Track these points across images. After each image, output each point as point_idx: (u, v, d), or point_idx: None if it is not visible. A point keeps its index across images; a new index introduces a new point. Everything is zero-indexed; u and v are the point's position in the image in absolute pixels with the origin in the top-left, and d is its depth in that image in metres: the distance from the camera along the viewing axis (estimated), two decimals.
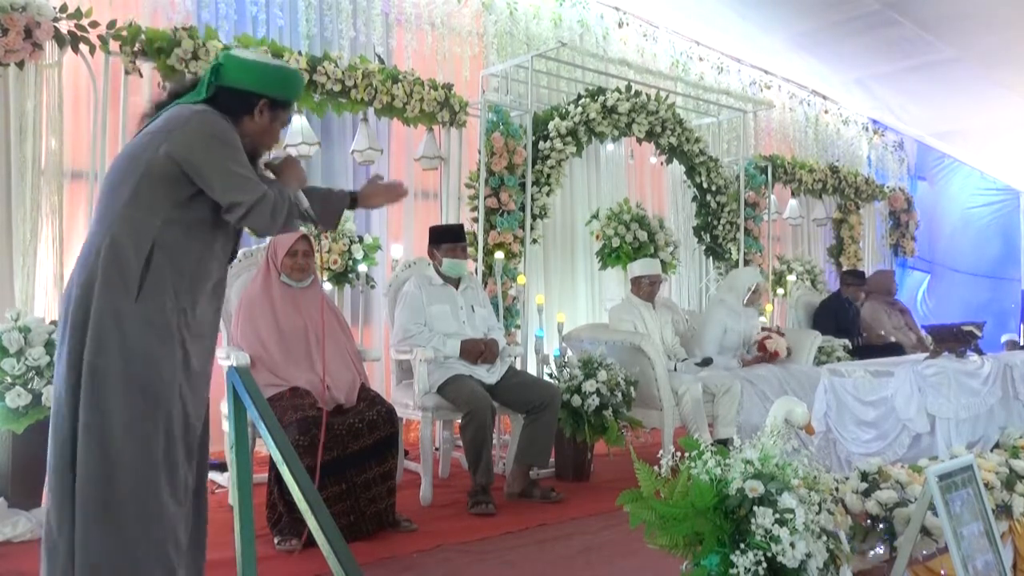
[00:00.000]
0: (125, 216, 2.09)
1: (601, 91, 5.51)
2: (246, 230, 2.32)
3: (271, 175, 2.36)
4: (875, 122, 9.39)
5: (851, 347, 6.35)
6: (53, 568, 2.07)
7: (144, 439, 2.06)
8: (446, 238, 4.20)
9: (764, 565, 1.81)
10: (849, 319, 6.62)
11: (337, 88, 4.62)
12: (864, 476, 2.61)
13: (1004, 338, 8.44)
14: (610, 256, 5.81)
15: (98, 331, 2.04)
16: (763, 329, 5.45)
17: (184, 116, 2.13)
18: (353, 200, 2.48)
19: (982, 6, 6.06)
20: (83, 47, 3.96)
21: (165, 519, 2.08)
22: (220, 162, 2.12)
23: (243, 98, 2.22)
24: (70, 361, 2.07)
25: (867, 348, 6.30)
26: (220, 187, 2.12)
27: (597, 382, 4.21)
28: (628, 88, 5.60)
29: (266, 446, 2.04)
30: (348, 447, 3.20)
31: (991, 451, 3.33)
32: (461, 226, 4.38)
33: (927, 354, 4.15)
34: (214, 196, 2.14)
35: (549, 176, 5.24)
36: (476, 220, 5.06)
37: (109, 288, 2.06)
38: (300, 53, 4.57)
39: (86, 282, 2.07)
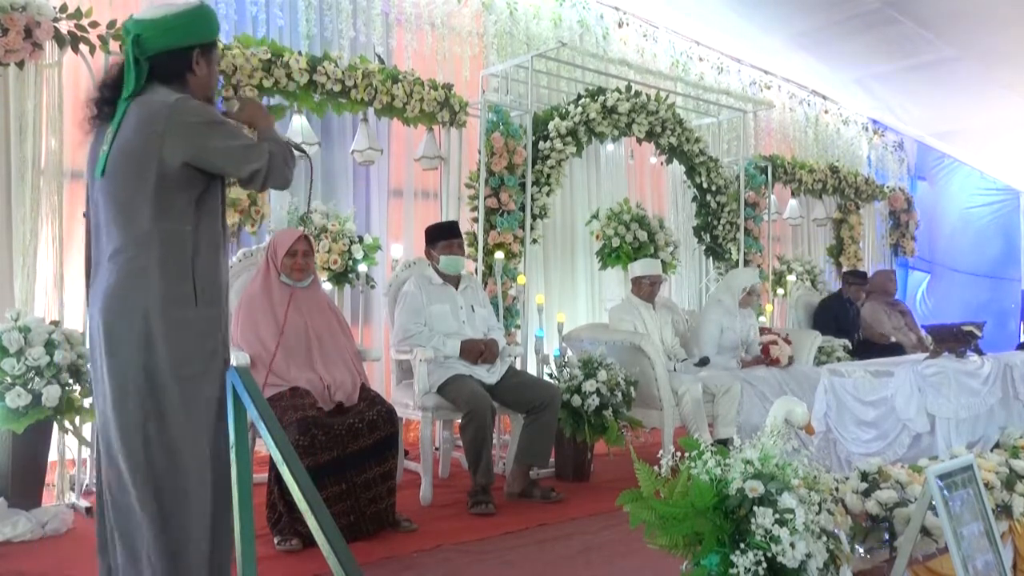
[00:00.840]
0: (162, 231, 2.10)
1: (601, 91, 5.51)
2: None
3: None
4: (875, 122, 9.39)
5: (851, 347, 6.36)
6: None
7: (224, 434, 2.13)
8: (441, 235, 4.20)
9: (764, 565, 1.82)
10: (849, 319, 6.63)
11: (337, 88, 4.62)
12: (864, 476, 2.62)
13: None
14: (610, 256, 5.81)
15: (176, 343, 2.10)
16: (770, 332, 5.44)
17: (163, 113, 2.08)
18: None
19: (982, 5, 6.05)
20: (83, 47, 3.95)
21: None
22: (221, 142, 2.13)
23: (178, 57, 2.18)
24: (140, 376, 2.09)
25: (867, 348, 6.30)
26: (234, 165, 2.15)
27: (597, 382, 4.21)
28: (628, 88, 5.60)
29: (266, 446, 2.04)
30: (348, 447, 3.19)
31: (991, 451, 3.34)
32: (455, 222, 4.37)
33: (927, 354, 4.15)
34: (231, 175, 2.18)
35: (549, 176, 5.24)
36: (476, 220, 5.06)
37: (174, 302, 2.11)
38: (300, 53, 4.56)
39: (141, 300, 2.09)
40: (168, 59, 2.17)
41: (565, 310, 5.99)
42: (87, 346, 2.51)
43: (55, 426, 3.48)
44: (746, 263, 6.54)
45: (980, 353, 4.08)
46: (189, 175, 2.12)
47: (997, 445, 3.62)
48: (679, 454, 2.02)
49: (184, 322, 2.11)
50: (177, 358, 2.10)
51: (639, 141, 5.93)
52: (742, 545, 1.84)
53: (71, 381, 3.45)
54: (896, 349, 6.38)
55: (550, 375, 4.51)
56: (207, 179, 2.16)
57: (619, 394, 4.27)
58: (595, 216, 6.01)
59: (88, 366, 2.77)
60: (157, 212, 2.09)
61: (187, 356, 2.11)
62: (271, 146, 2.20)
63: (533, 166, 5.17)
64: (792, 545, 1.82)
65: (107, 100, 2.20)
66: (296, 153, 2.34)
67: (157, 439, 2.09)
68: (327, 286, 4.67)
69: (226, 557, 2.16)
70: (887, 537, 2.47)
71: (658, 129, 5.82)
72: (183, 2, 2.24)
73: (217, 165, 2.14)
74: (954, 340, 4.06)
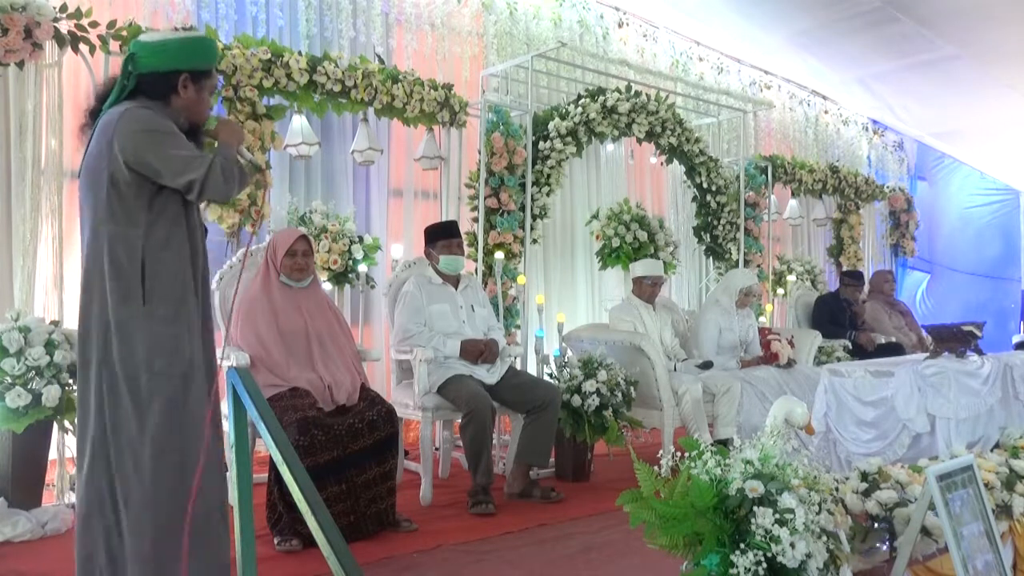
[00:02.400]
0: (114, 234, 2.22)
1: (601, 91, 5.51)
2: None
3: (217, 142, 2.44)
4: (875, 122, 9.40)
5: (850, 347, 6.36)
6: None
7: (175, 444, 2.22)
8: (441, 235, 4.20)
9: (764, 565, 1.82)
10: (846, 317, 6.64)
11: (337, 88, 4.62)
12: (864, 476, 2.62)
13: (1016, 339, 8.41)
14: (610, 256, 5.81)
15: (122, 339, 2.21)
16: (772, 332, 5.44)
17: (113, 121, 2.23)
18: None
19: (982, 3, 6.05)
20: (83, 47, 3.95)
21: None
22: (159, 150, 2.22)
23: (164, 79, 2.31)
24: (100, 372, 2.23)
25: (859, 352, 6.30)
26: (169, 173, 2.22)
27: (597, 382, 4.21)
28: (628, 88, 5.60)
29: (266, 446, 2.05)
30: (348, 447, 3.19)
31: (991, 451, 3.34)
32: (454, 222, 4.37)
33: (927, 354, 4.15)
34: (168, 183, 2.24)
35: (549, 176, 5.24)
36: (476, 220, 5.06)
37: (119, 303, 2.22)
38: (300, 53, 4.56)
39: (97, 299, 2.24)
40: (154, 79, 2.31)
41: (565, 310, 5.99)
42: None
43: (55, 426, 3.48)
44: (746, 263, 6.54)
45: (980, 353, 4.08)
46: (139, 180, 2.22)
47: (997, 445, 3.61)
48: (679, 454, 2.02)
49: (130, 321, 2.21)
50: (123, 355, 2.21)
51: (639, 141, 5.93)
52: (742, 545, 1.84)
53: (71, 381, 3.45)
54: (896, 349, 6.38)
55: (550, 375, 4.51)
56: (154, 184, 2.24)
57: (619, 394, 4.27)
58: (595, 216, 6.01)
59: None
60: (108, 215, 2.23)
61: (130, 353, 2.21)
62: (220, 161, 2.26)
63: (533, 166, 5.17)
64: (792, 545, 1.82)
65: (97, 112, 2.37)
66: (249, 166, 2.42)
67: (111, 433, 2.21)
68: (327, 286, 4.67)
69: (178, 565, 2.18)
70: (887, 537, 2.47)
71: (658, 129, 5.82)
72: (189, 32, 2.49)
73: (156, 171, 2.22)
74: (954, 340, 4.06)
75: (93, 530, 2.23)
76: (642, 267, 5.10)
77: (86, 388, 2.26)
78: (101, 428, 2.22)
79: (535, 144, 5.21)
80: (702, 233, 6.54)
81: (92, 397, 2.24)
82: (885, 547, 2.47)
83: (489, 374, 4.03)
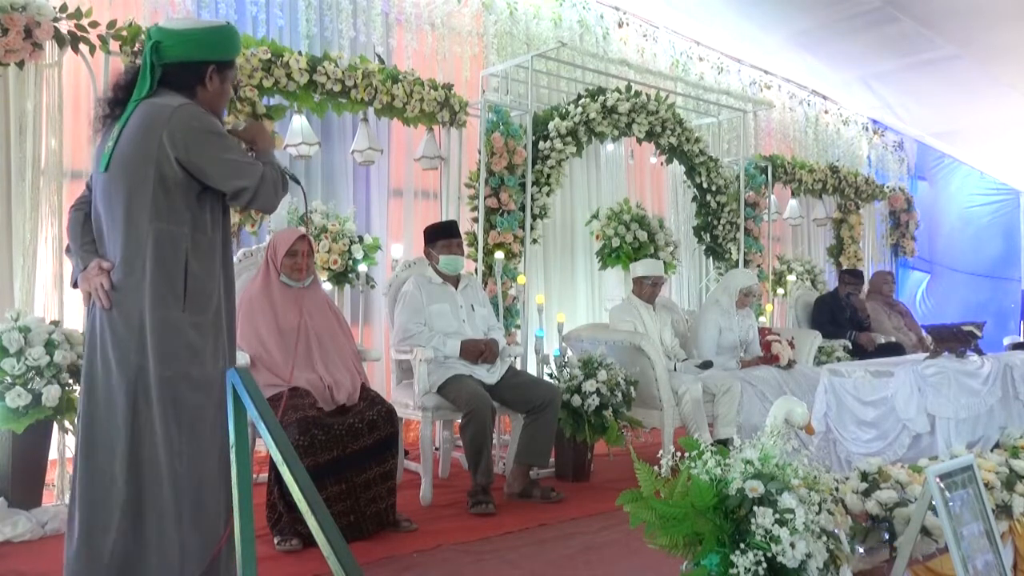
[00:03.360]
0: (161, 232, 2.15)
1: (601, 91, 5.51)
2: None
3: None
4: (875, 122, 9.40)
5: (850, 347, 6.36)
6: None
7: (221, 442, 2.17)
8: (441, 235, 4.19)
9: (764, 565, 1.82)
10: (846, 316, 6.64)
11: (337, 88, 4.62)
12: (864, 476, 2.62)
13: (1006, 341, 8.41)
14: (610, 256, 5.81)
15: (160, 343, 2.14)
16: (772, 333, 5.44)
17: (164, 116, 2.14)
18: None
19: (982, 2, 6.05)
20: (83, 47, 3.95)
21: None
22: (216, 153, 2.16)
23: (192, 70, 2.24)
24: (127, 375, 2.15)
25: (859, 352, 6.30)
26: (222, 177, 2.17)
27: (597, 382, 4.21)
28: (628, 88, 5.60)
29: (266, 446, 2.05)
30: (348, 447, 3.19)
31: (991, 451, 3.34)
32: (454, 222, 4.37)
33: (927, 354, 4.15)
34: (218, 187, 2.19)
35: (549, 176, 5.24)
36: (476, 220, 5.06)
37: (158, 303, 2.15)
38: (300, 53, 4.56)
39: (137, 298, 2.15)
40: (181, 69, 2.23)
41: (565, 310, 5.99)
42: None
43: (55, 426, 3.48)
44: (746, 263, 6.54)
45: (980, 353, 4.08)
46: (187, 178, 2.16)
47: (997, 445, 3.62)
48: (679, 454, 2.02)
49: (168, 323, 2.15)
50: (159, 358, 2.14)
51: (639, 141, 5.93)
52: (742, 545, 1.84)
53: (71, 381, 3.45)
54: (896, 349, 6.38)
55: (550, 375, 4.51)
56: (200, 185, 2.19)
57: (619, 394, 4.27)
58: (595, 216, 6.01)
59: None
60: (154, 212, 2.14)
61: (167, 357, 2.15)
62: (266, 169, 2.21)
63: (533, 166, 5.17)
64: (792, 545, 1.82)
65: (119, 101, 2.27)
66: (291, 182, 2.37)
67: (144, 436, 2.15)
68: (327, 286, 4.67)
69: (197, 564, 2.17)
70: (887, 537, 2.47)
71: (658, 129, 5.81)
72: (210, 20, 2.34)
73: (207, 173, 2.17)
74: (954, 340, 4.07)
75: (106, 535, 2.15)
76: (642, 267, 5.10)
77: (108, 387, 2.17)
78: (130, 431, 2.14)
79: (535, 144, 5.21)
80: (702, 233, 6.54)
81: (120, 398, 2.14)
82: (885, 547, 2.47)
83: (489, 374, 4.03)
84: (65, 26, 3.90)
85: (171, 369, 2.14)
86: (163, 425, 2.14)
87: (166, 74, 2.22)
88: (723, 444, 2.07)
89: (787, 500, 1.86)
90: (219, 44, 2.27)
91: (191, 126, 2.14)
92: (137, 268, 2.14)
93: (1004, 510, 2.79)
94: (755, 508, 1.85)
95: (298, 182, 2.45)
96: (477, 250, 5.02)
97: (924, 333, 6.68)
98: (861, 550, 2.43)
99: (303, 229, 4.26)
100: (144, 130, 2.14)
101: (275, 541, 3.13)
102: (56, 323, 3.58)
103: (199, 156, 2.14)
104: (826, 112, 8.94)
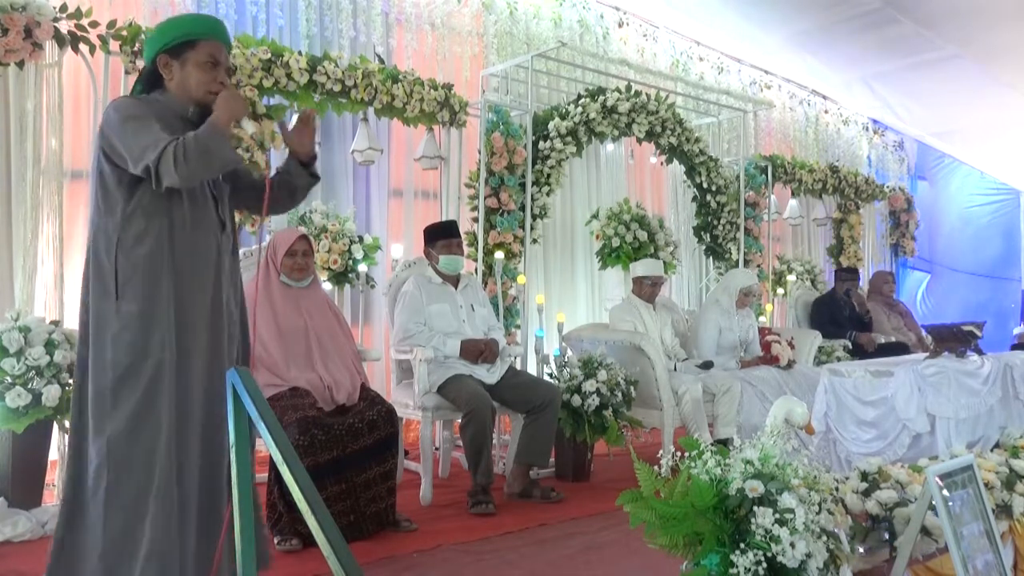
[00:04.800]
0: (97, 225, 2.21)
1: (601, 91, 5.51)
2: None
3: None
4: (875, 122, 9.39)
5: (850, 347, 6.36)
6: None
7: (144, 436, 2.14)
8: (441, 235, 4.19)
9: (764, 565, 1.81)
10: (845, 315, 6.64)
11: (337, 88, 4.62)
12: (864, 476, 2.62)
13: (1017, 330, 8.43)
14: (610, 256, 5.81)
15: (96, 335, 2.17)
16: (772, 333, 5.45)
17: (103, 112, 2.24)
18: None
19: (982, 3, 6.05)
20: (83, 47, 3.95)
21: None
22: (125, 138, 2.15)
23: (151, 69, 2.30)
24: (80, 369, 2.20)
25: (859, 352, 6.30)
26: (130, 161, 2.14)
27: (597, 382, 4.21)
28: (628, 88, 5.60)
29: (266, 446, 2.04)
30: (348, 447, 3.19)
31: (991, 451, 3.34)
32: (454, 222, 4.37)
33: (927, 354, 4.15)
34: (129, 170, 2.16)
35: (549, 176, 5.24)
36: (476, 220, 5.06)
37: (97, 296, 2.18)
38: (300, 53, 4.56)
39: (84, 292, 2.22)
40: (147, 72, 2.31)
41: (565, 310, 5.99)
42: None
43: (55, 426, 3.48)
44: (746, 263, 6.54)
45: (980, 353, 4.08)
46: (118, 170, 2.19)
47: (997, 445, 3.62)
48: (679, 454, 2.02)
49: (103, 315, 2.16)
50: (96, 352, 2.15)
51: (639, 141, 5.93)
52: (742, 545, 1.84)
53: (71, 381, 3.45)
54: (900, 348, 6.37)
55: (550, 375, 4.51)
56: (127, 173, 2.18)
57: (619, 394, 4.27)
58: (595, 216, 6.01)
59: None
60: (95, 207, 2.21)
61: (102, 350, 2.15)
62: (176, 144, 2.09)
63: (533, 166, 5.17)
64: (792, 545, 1.82)
65: None
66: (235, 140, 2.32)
67: (79, 431, 2.18)
68: (327, 286, 4.67)
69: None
70: (887, 537, 2.47)
71: (658, 129, 5.81)
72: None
73: (121, 158, 2.17)
74: (954, 340, 4.07)
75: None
76: (642, 267, 5.10)
77: (75, 389, 2.22)
78: (79, 433, 2.16)
79: (535, 144, 5.21)
80: (702, 233, 6.54)
81: (73, 393, 2.21)
82: (885, 547, 2.47)
83: (489, 374, 4.03)
84: (65, 26, 3.90)
85: (103, 363, 2.14)
86: (91, 420, 2.15)
87: (143, 78, 2.32)
88: (723, 444, 2.07)
89: (787, 500, 1.86)
90: (165, 32, 2.28)
91: (109, 116, 2.17)
92: (85, 262, 2.22)
93: (1004, 510, 2.79)
94: (755, 508, 1.85)
95: (223, 136, 2.19)
96: (477, 250, 5.02)
97: (924, 333, 6.67)
98: (861, 550, 2.43)
99: (303, 229, 4.27)
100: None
101: (275, 541, 3.13)
102: (56, 323, 3.58)
103: (112, 144, 2.16)
104: (826, 112, 8.94)
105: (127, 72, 4.13)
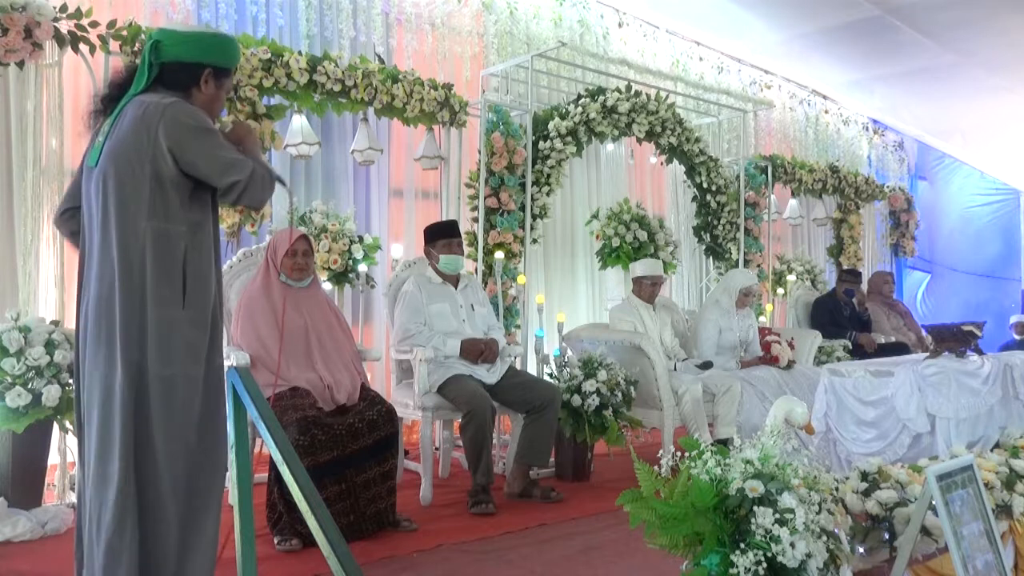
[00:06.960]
0: (154, 229, 2.14)
1: (601, 91, 5.51)
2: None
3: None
4: (875, 122, 9.40)
5: (850, 347, 6.36)
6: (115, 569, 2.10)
7: (221, 435, 2.21)
8: (441, 235, 4.20)
9: (764, 565, 1.81)
10: (845, 315, 6.64)
11: (337, 88, 4.62)
12: (864, 476, 2.62)
13: (1013, 319, 8.44)
14: (610, 256, 5.81)
15: (159, 342, 2.13)
16: (772, 333, 5.45)
17: (156, 113, 2.13)
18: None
19: (981, 14, 6.06)
20: (83, 47, 3.95)
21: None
22: (208, 149, 2.16)
23: (188, 71, 2.25)
24: (129, 373, 2.12)
25: (860, 352, 6.30)
26: (215, 172, 2.17)
27: (597, 382, 4.21)
28: (628, 88, 5.60)
29: (266, 446, 2.05)
30: (348, 447, 3.19)
31: (991, 451, 3.34)
32: (454, 222, 4.37)
33: (927, 354, 4.15)
34: (210, 181, 2.19)
35: (549, 176, 5.24)
36: (476, 220, 5.06)
37: (161, 302, 2.14)
38: (300, 53, 4.56)
39: (134, 297, 2.14)
40: (179, 68, 2.24)
41: (565, 310, 5.98)
42: None
43: (55, 426, 3.48)
44: (746, 263, 6.54)
45: (980, 353, 4.08)
46: (180, 175, 2.16)
47: (997, 445, 3.62)
48: (679, 454, 2.02)
49: (169, 322, 2.15)
50: (160, 357, 2.13)
51: (639, 141, 5.93)
52: (742, 545, 1.84)
53: (71, 381, 3.45)
54: (901, 348, 6.37)
55: (550, 375, 4.51)
56: (191, 183, 2.19)
57: (619, 394, 4.27)
58: (595, 216, 6.01)
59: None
60: (151, 211, 2.14)
61: (169, 356, 2.14)
62: (256, 166, 2.22)
63: (533, 166, 5.17)
64: (792, 545, 1.82)
65: (113, 98, 2.27)
66: (278, 185, 2.37)
67: (142, 437, 2.13)
68: (327, 286, 4.67)
69: (199, 565, 2.17)
70: (887, 537, 2.47)
71: (658, 129, 5.81)
72: (215, 29, 2.38)
73: (200, 168, 2.16)
74: (954, 340, 4.06)
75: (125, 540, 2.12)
76: (642, 267, 5.10)
77: (108, 388, 2.13)
78: (129, 433, 2.11)
79: (535, 144, 5.21)
80: (702, 233, 6.54)
81: (117, 398, 2.11)
82: (885, 547, 2.47)
83: (489, 374, 4.03)
84: (65, 26, 3.90)
85: (170, 368, 2.13)
86: (164, 426, 2.13)
87: (163, 73, 2.23)
88: (723, 444, 2.07)
89: (787, 500, 1.86)
90: (217, 49, 2.29)
91: (184, 122, 2.14)
92: (136, 268, 2.13)
93: (1004, 510, 2.79)
94: (755, 508, 1.85)
95: (284, 184, 2.45)
96: (477, 250, 5.02)
97: (924, 333, 6.67)
98: (861, 550, 2.43)
99: (303, 229, 4.27)
100: (138, 125, 2.13)
101: (275, 541, 3.13)
102: (56, 323, 3.58)
103: (192, 151, 2.14)
104: (826, 112, 8.94)
105: None
